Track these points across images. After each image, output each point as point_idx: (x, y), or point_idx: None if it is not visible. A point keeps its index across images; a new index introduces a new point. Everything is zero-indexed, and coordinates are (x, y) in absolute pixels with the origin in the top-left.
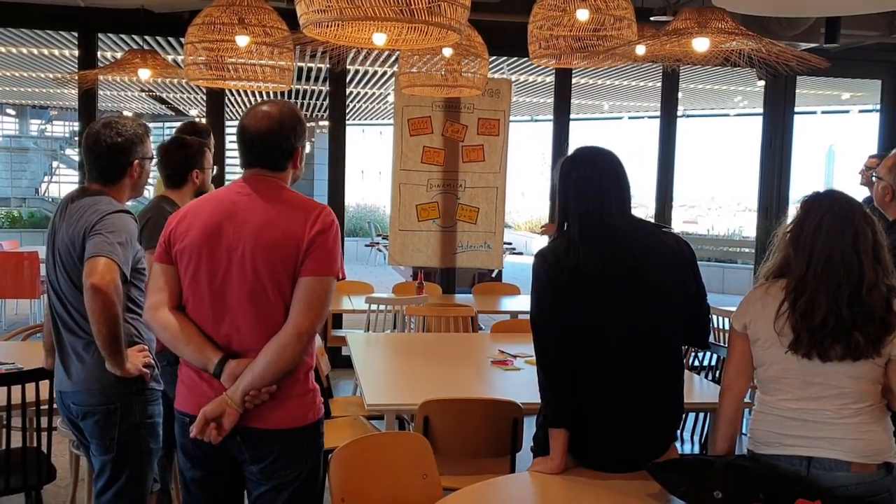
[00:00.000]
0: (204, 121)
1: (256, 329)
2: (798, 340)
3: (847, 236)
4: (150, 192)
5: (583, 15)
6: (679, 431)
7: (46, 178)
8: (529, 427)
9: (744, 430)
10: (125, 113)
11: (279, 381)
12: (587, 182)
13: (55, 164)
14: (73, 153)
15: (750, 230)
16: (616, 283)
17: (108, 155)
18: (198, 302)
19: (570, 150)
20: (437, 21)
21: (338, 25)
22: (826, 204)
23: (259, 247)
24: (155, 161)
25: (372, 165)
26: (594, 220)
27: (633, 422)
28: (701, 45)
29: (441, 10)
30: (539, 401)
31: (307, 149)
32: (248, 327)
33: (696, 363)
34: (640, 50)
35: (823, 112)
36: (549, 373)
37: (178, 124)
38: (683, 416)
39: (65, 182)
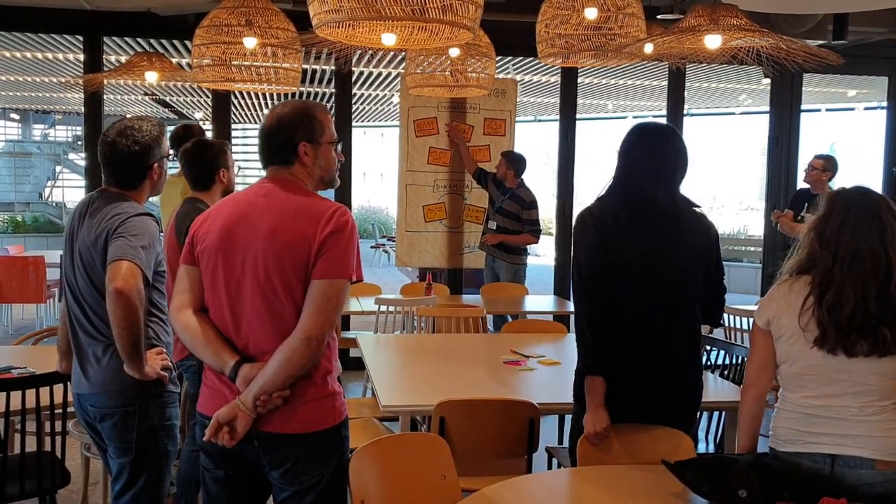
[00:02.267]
0: (209, 124)
1: (270, 333)
2: (824, 335)
3: (874, 230)
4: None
5: (591, 13)
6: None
7: (50, 183)
8: (545, 427)
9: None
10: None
11: (292, 386)
12: (652, 157)
13: (58, 168)
14: (77, 157)
15: (753, 229)
16: (652, 251)
17: (126, 164)
18: (217, 305)
19: (636, 126)
20: (451, 20)
21: (349, 26)
22: (852, 198)
23: (270, 249)
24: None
25: (374, 167)
26: (647, 194)
27: (654, 382)
28: (713, 41)
29: (454, 9)
30: (552, 401)
31: (338, 149)
32: (263, 331)
33: (711, 362)
34: (649, 48)
35: (828, 110)
36: (591, 321)
37: None
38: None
39: (68, 187)
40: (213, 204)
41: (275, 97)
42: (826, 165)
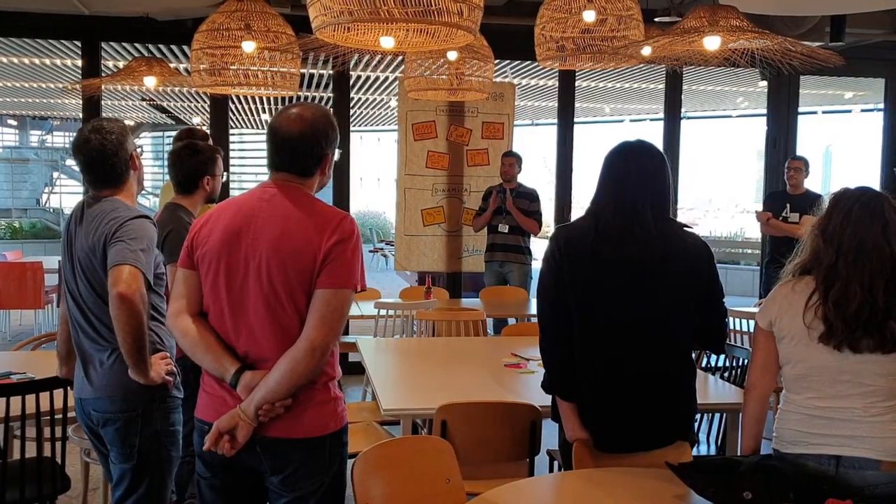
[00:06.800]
0: (207, 129)
1: (272, 341)
2: (830, 331)
3: (877, 226)
4: (149, 202)
5: (589, 16)
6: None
7: (47, 189)
8: (547, 430)
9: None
10: (125, 121)
11: (295, 394)
12: (627, 175)
13: (56, 174)
14: (74, 163)
15: (750, 232)
16: (631, 274)
17: (110, 156)
18: (217, 310)
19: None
20: (454, 22)
21: (347, 28)
22: (854, 196)
23: (275, 256)
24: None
25: (370, 172)
26: (626, 212)
27: (634, 407)
28: (713, 43)
29: (454, 11)
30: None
31: (336, 156)
32: (265, 338)
33: (710, 364)
34: (646, 50)
35: (825, 112)
36: (545, 345)
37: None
38: (697, 416)
39: (66, 193)
40: (195, 210)
41: (273, 101)
42: (804, 165)
